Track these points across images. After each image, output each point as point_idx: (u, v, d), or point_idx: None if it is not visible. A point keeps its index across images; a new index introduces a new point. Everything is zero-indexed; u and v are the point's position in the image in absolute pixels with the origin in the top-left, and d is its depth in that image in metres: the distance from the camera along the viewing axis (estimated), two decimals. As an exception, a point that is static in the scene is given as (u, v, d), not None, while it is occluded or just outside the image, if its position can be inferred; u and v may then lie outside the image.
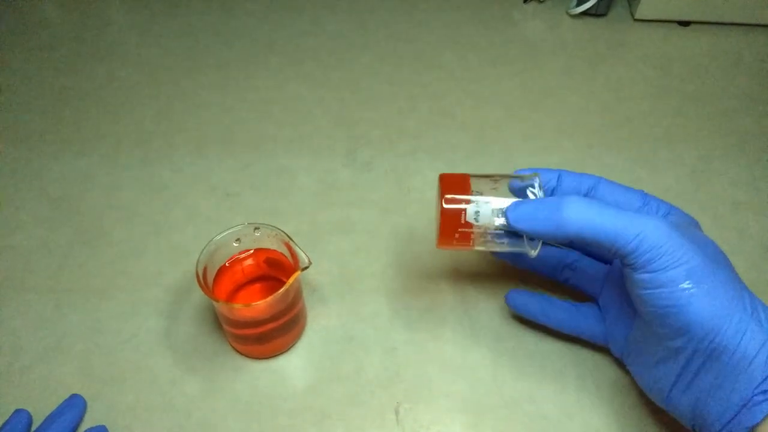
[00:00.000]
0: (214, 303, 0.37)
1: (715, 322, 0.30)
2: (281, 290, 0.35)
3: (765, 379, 0.29)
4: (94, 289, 0.45)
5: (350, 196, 0.51)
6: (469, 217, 0.35)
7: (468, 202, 0.35)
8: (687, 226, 0.34)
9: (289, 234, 0.38)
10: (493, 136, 0.56)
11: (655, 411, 0.38)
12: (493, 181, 0.36)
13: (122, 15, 0.70)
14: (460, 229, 0.35)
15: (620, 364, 0.40)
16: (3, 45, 0.66)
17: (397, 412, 0.39)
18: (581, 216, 0.31)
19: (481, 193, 0.35)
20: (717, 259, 0.32)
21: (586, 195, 0.37)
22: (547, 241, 0.37)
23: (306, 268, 0.37)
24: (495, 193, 0.35)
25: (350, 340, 0.42)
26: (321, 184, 0.52)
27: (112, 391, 0.39)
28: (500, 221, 0.35)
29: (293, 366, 0.41)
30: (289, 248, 0.38)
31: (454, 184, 0.36)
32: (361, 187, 0.52)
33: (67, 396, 0.38)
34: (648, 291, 0.31)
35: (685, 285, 0.30)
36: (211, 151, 0.55)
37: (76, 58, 0.64)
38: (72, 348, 0.41)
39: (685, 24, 0.69)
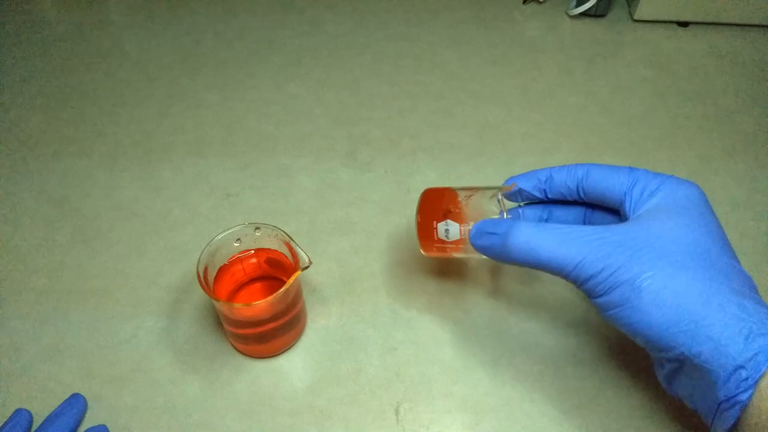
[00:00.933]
0: (215, 302, 0.37)
1: (666, 331, 0.30)
2: (282, 290, 0.35)
3: (731, 383, 0.28)
4: (94, 289, 0.45)
5: (350, 196, 0.51)
6: (440, 234, 0.38)
7: (439, 220, 0.37)
8: (665, 212, 0.33)
9: (289, 234, 0.38)
10: (493, 136, 0.56)
11: (656, 411, 0.39)
12: (468, 194, 0.38)
13: (122, 15, 0.70)
14: (435, 244, 0.38)
15: (621, 364, 0.40)
16: (3, 45, 0.66)
17: (397, 412, 0.39)
18: (523, 247, 0.33)
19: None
20: (679, 255, 0.31)
21: (578, 186, 0.37)
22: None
23: (306, 267, 0.37)
24: (467, 207, 0.38)
25: (350, 340, 0.42)
26: (321, 184, 0.52)
27: (112, 391, 0.39)
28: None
29: (293, 366, 0.41)
30: (290, 248, 0.38)
31: (431, 200, 0.39)
32: (361, 187, 0.52)
33: (67, 395, 0.38)
34: (605, 314, 0.32)
35: (629, 300, 0.30)
36: (211, 151, 0.55)
37: (76, 58, 0.64)
38: (72, 348, 0.41)
39: (684, 24, 0.69)
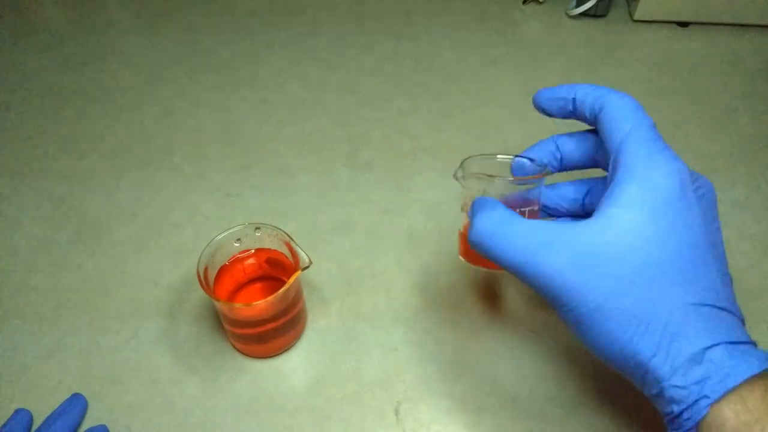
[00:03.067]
0: (215, 302, 0.37)
1: (615, 355, 0.29)
2: (282, 290, 0.35)
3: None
4: (94, 289, 0.45)
5: (350, 196, 0.51)
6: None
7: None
8: (630, 210, 0.29)
9: (289, 234, 0.38)
10: (493, 136, 0.56)
11: (655, 411, 0.38)
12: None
13: (122, 15, 0.70)
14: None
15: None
16: (3, 45, 0.66)
17: (397, 412, 0.39)
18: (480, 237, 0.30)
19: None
20: (640, 268, 0.28)
21: (589, 159, 0.36)
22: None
23: (306, 267, 0.37)
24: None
25: (350, 340, 0.42)
26: (321, 184, 0.52)
27: (112, 391, 0.39)
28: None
29: (293, 366, 0.41)
30: (290, 248, 0.38)
31: None
32: (361, 187, 0.52)
33: (67, 395, 0.38)
34: (563, 318, 0.30)
35: (578, 323, 0.29)
36: (211, 151, 0.55)
37: (76, 58, 0.64)
38: (72, 348, 0.41)
39: (684, 25, 0.69)
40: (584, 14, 0.69)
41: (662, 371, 0.28)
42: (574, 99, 0.33)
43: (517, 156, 0.37)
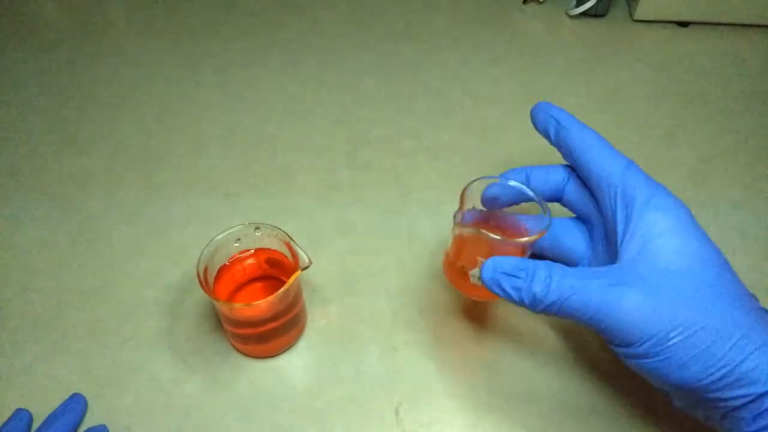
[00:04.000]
0: (215, 302, 0.37)
1: (699, 382, 0.29)
2: (282, 290, 0.35)
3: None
4: (94, 289, 0.45)
5: (350, 196, 0.51)
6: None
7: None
8: (666, 235, 0.31)
9: (289, 234, 0.38)
10: (493, 136, 0.56)
11: (655, 413, 0.39)
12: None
13: (122, 15, 0.71)
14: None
15: (619, 364, 0.40)
16: (3, 45, 0.66)
17: (397, 412, 0.39)
18: (555, 293, 0.31)
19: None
20: (701, 287, 0.30)
21: (555, 192, 0.38)
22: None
23: (306, 267, 0.37)
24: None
25: (350, 340, 0.42)
26: (321, 184, 0.52)
27: (112, 391, 0.39)
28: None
29: (293, 366, 0.41)
30: (290, 248, 0.38)
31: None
32: (361, 187, 0.52)
33: (67, 396, 0.38)
34: (629, 362, 0.32)
35: (672, 339, 0.29)
36: (211, 151, 0.55)
37: (76, 58, 0.64)
38: (72, 348, 0.41)
39: (684, 24, 0.69)
40: (584, 14, 0.69)
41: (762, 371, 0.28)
42: (557, 126, 0.36)
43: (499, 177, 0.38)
